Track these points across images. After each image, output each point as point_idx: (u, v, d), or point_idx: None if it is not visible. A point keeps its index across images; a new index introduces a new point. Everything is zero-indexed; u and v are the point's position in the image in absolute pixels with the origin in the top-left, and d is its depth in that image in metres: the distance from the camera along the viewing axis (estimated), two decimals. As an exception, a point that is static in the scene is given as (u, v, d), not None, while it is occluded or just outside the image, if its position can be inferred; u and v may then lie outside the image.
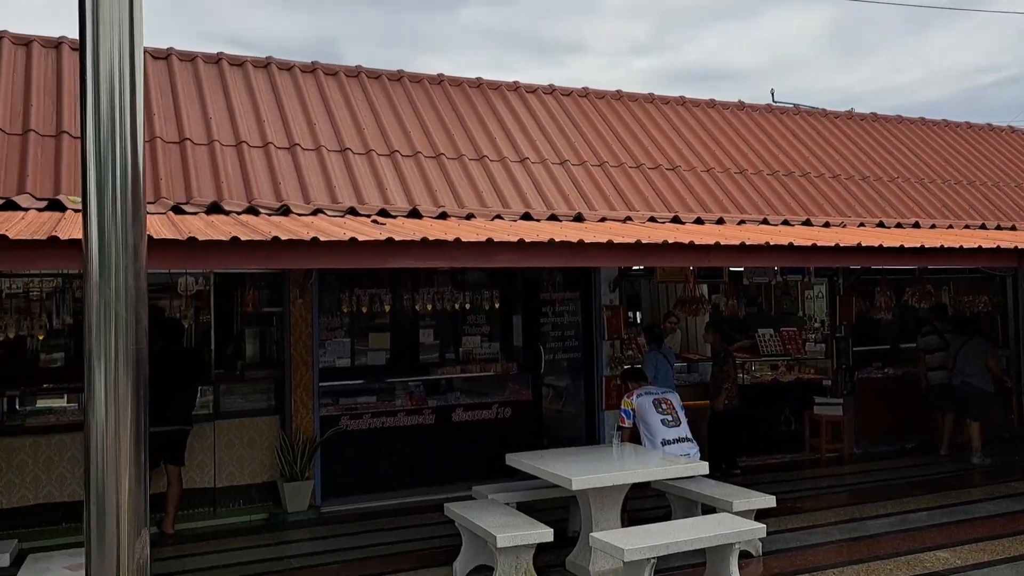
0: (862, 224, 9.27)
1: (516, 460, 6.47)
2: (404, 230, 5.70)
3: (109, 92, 1.62)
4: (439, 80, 9.90)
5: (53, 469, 7.22)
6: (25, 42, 8.14)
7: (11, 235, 4.32)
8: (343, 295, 8.51)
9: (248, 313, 8.37)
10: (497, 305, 9.11)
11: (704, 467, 6.30)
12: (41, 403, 7.68)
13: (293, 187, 7.55)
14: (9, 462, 7.09)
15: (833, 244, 6.46)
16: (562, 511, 6.83)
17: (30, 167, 6.78)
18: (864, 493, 8.51)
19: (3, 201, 5.95)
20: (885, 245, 6.63)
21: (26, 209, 5.84)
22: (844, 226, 8.96)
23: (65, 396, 7.71)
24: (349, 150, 8.23)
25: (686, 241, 5.92)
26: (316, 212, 6.89)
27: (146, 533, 1.60)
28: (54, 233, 4.49)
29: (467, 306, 8.95)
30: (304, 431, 7.97)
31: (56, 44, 8.26)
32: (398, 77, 9.70)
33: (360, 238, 5.09)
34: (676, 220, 8.16)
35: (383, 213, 7.12)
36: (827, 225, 8.88)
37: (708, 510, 6.56)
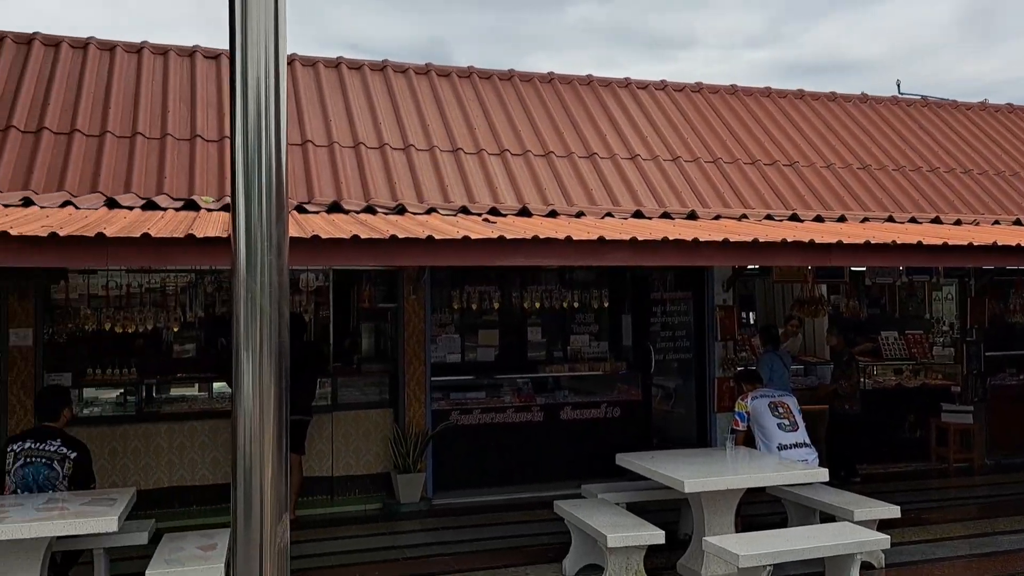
0: (996, 222, 8.73)
1: (626, 460, 6.42)
2: (515, 228, 5.76)
3: (256, 100, 1.71)
4: (549, 79, 9.94)
5: (185, 454, 7.67)
6: (162, 52, 8.67)
7: (153, 233, 4.61)
8: (454, 292, 8.66)
9: (364, 309, 8.64)
10: (606, 304, 9.06)
11: (823, 474, 6.08)
12: (175, 391, 8.17)
13: (407, 186, 7.75)
14: (147, 446, 7.58)
15: (966, 243, 6.12)
16: (672, 513, 6.74)
17: (167, 169, 7.21)
18: (996, 506, 8.01)
19: (144, 201, 6.37)
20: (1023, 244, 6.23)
21: (164, 209, 6.22)
22: (977, 224, 8.46)
23: (196, 385, 8.17)
24: (461, 150, 8.38)
25: (806, 240, 5.74)
26: (430, 211, 7.04)
27: (287, 518, 1.69)
28: (191, 231, 4.77)
29: (575, 304, 8.94)
30: (416, 424, 8.17)
31: (190, 53, 8.75)
32: (509, 77, 9.80)
33: (473, 236, 5.17)
34: (794, 218, 7.91)
35: (494, 212, 7.21)
36: (958, 223, 8.41)
37: (827, 518, 6.34)
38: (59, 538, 4.89)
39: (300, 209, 6.55)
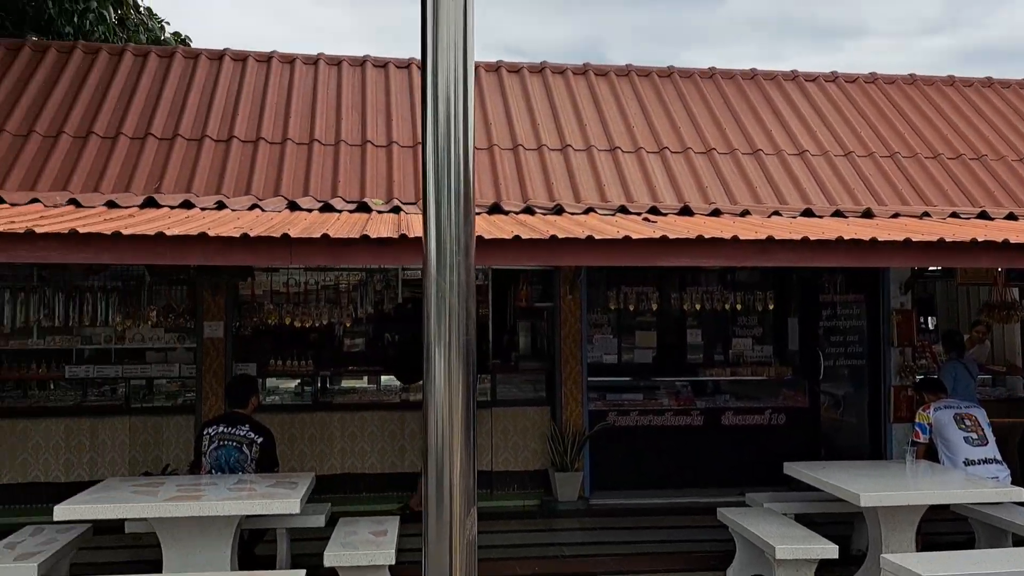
0: None
1: (795, 469, 6.16)
2: (677, 228, 5.66)
3: (446, 107, 1.77)
4: (710, 74, 9.70)
5: (356, 443, 8.08)
6: (336, 62, 9.18)
7: (331, 234, 4.89)
8: (610, 292, 8.60)
9: (521, 307, 8.78)
10: (770, 306, 8.70)
11: (1019, 493, 5.57)
12: (346, 383, 8.62)
13: (564, 187, 7.80)
14: (322, 434, 8.05)
15: None
16: (843, 527, 6.39)
17: (341, 174, 7.63)
18: None
19: (321, 204, 6.76)
20: None
21: (339, 211, 6.59)
22: None
23: (365, 377, 8.58)
24: (619, 149, 8.33)
25: (999, 239, 5.29)
26: (587, 211, 7.05)
27: (475, 511, 1.73)
28: (365, 232, 5.02)
29: (738, 307, 8.65)
30: (573, 423, 8.19)
31: (361, 63, 9.21)
32: (668, 74, 9.64)
33: (634, 236, 5.13)
34: (983, 215, 7.31)
35: (653, 211, 7.11)
36: None
37: (1019, 541, 5.81)
38: (247, 516, 5.29)
39: (464, 210, 6.73)
